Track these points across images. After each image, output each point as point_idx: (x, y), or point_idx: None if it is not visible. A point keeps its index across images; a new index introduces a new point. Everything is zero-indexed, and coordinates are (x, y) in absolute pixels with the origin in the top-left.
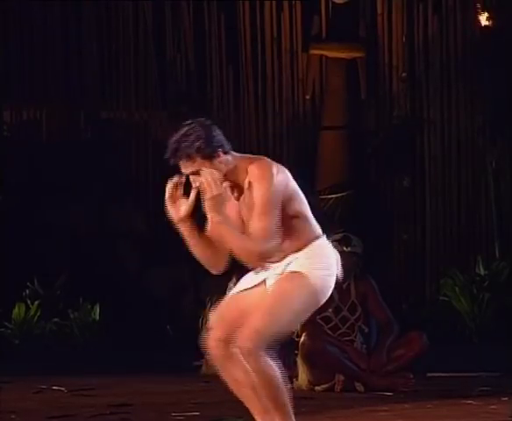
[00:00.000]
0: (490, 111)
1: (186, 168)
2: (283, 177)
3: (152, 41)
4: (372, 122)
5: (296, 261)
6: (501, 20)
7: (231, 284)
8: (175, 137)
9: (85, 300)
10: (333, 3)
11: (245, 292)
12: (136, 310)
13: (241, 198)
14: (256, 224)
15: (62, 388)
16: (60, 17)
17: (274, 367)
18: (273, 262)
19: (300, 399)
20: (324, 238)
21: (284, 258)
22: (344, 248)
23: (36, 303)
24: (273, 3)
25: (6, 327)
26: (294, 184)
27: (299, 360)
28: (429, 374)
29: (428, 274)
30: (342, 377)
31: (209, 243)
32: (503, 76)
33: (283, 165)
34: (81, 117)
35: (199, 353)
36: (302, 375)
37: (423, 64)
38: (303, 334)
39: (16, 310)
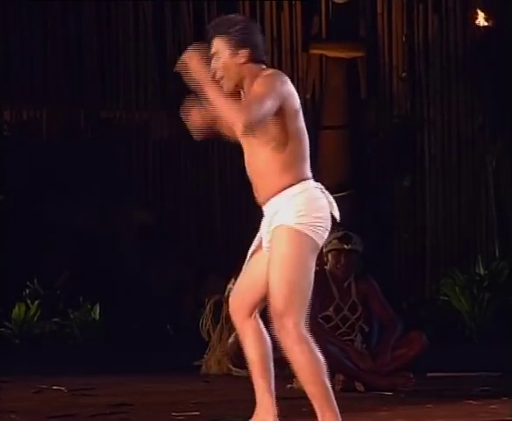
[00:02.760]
0: (490, 111)
1: (212, 48)
2: (293, 90)
3: (152, 41)
4: (372, 122)
5: (283, 212)
6: (501, 20)
7: (230, 285)
8: (226, 17)
9: (85, 300)
10: (333, 2)
11: (249, 266)
12: (136, 310)
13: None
14: (250, 97)
15: (62, 388)
16: (60, 16)
17: (314, 354)
18: (263, 201)
19: (300, 399)
20: (312, 180)
21: (268, 199)
22: (345, 246)
23: (36, 302)
24: (273, 2)
25: (6, 327)
26: (300, 110)
27: None
28: (429, 374)
29: (428, 274)
30: (342, 377)
31: None
32: (503, 76)
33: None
34: (81, 116)
35: (199, 352)
36: None
37: (423, 64)
38: None
39: (16, 310)
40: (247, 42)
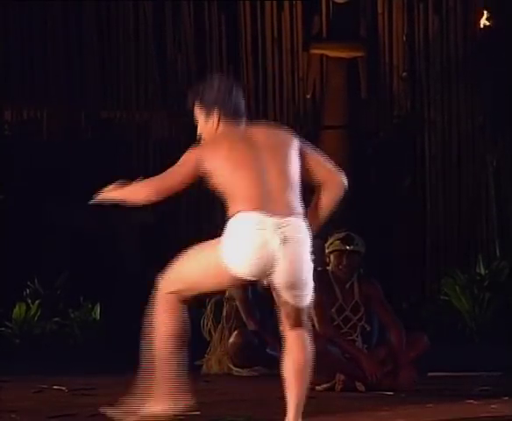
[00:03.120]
0: (490, 111)
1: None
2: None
3: (152, 41)
4: (372, 121)
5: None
6: (502, 20)
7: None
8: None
9: (86, 299)
10: (334, 2)
11: None
12: (136, 310)
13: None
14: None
15: (63, 388)
16: (60, 16)
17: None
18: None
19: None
20: (249, 213)
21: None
22: (347, 247)
23: (36, 302)
24: (274, 2)
25: (7, 327)
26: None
27: None
28: (429, 374)
29: (428, 274)
30: (343, 377)
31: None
32: (503, 76)
33: None
34: (81, 116)
35: (200, 352)
36: None
37: (423, 64)
38: None
39: (16, 310)
40: (216, 102)
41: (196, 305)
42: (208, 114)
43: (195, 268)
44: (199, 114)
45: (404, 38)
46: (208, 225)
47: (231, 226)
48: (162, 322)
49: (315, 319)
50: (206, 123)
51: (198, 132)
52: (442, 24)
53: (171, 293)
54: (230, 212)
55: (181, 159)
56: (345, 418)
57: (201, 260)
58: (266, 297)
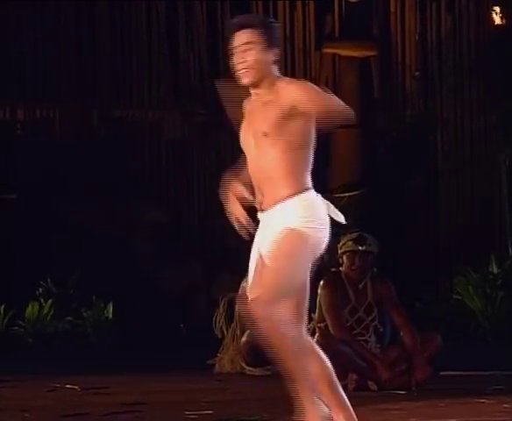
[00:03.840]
0: (503, 110)
1: (241, 39)
2: None
3: (165, 40)
4: (385, 120)
5: (289, 217)
6: None
7: (244, 283)
8: (260, 16)
9: (98, 298)
10: (346, 1)
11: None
12: (149, 309)
13: (262, 111)
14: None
15: (75, 387)
16: (73, 16)
17: (289, 335)
18: (264, 208)
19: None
20: (313, 190)
21: (275, 204)
22: (360, 247)
23: (49, 301)
24: (287, 2)
25: (20, 326)
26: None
27: None
28: (442, 373)
29: (441, 273)
30: (355, 376)
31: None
32: None
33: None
34: (94, 115)
35: (212, 351)
36: None
37: (436, 63)
38: (316, 334)
39: (29, 309)
40: (277, 43)
41: (209, 304)
42: (270, 47)
43: (296, 273)
44: (257, 41)
45: (417, 37)
46: (221, 224)
47: (316, 201)
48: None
49: (328, 322)
50: (265, 53)
51: (242, 57)
52: (454, 22)
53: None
54: (304, 182)
55: None
56: (358, 417)
57: (297, 261)
58: None
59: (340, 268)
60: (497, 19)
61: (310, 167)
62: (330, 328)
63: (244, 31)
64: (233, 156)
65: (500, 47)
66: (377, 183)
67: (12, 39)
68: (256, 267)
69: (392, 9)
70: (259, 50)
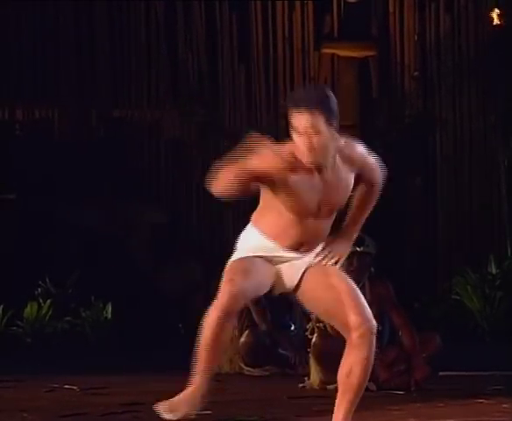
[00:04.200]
0: (502, 110)
1: (306, 121)
2: None
3: (163, 40)
4: (384, 121)
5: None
6: None
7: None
8: (320, 90)
9: (97, 299)
10: (345, 1)
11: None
12: (148, 309)
13: (329, 177)
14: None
15: (74, 387)
16: (72, 16)
17: None
18: (300, 252)
19: (312, 398)
20: None
21: (309, 251)
22: (357, 248)
23: (48, 301)
24: (285, 2)
25: (18, 326)
26: None
27: (311, 360)
28: (441, 373)
29: (440, 273)
30: None
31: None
32: None
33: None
34: (93, 116)
35: None
36: (314, 374)
37: (435, 63)
38: (315, 334)
39: (28, 309)
40: (336, 116)
41: (207, 304)
42: (331, 124)
43: None
44: (318, 123)
45: (416, 37)
46: (219, 226)
47: None
48: None
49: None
50: (328, 132)
51: (310, 142)
52: (453, 22)
53: None
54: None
55: None
56: (356, 417)
57: None
58: (278, 297)
59: None
60: (496, 19)
61: None
62: (328, 327)
63: (310, 114)
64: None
65: (499, 47)
66: None
67: (11, 39)
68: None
69: (391, 9)
70: (323, 132)
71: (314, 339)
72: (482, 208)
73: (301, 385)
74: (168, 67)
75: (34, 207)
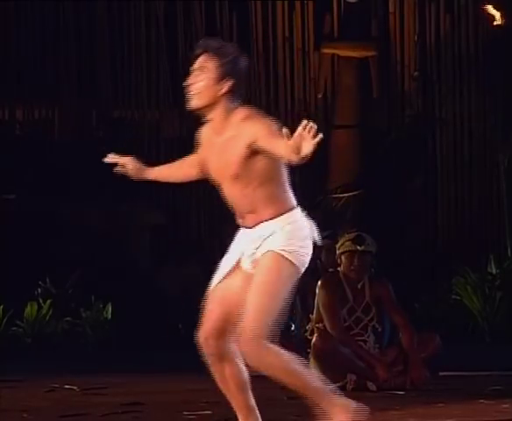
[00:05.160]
0: (502, 110)
1: (198, 63)
2: None
3: (163, 41)
4: (383, 121)
5: (273, 238)
6: None
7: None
8: (230, 45)
9: (97, 299)
10: (345, 1)
11: (224, 283)
12: (148, 309)
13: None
14: (279, 142)
15: (74, 387)
16: (72, 16)
17: (285, 355)
18: (247, 226)
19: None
20: (298, 209)
21: (257, 224)
22: (358, 247)
23: (48, 301)
24: (285, 2)
25: (18, 326)
26: None
27: (311, 360)
28: (441, 373)
29: (440, 274)
30: (354, 376)
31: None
32: None
33: (294, 165)
34: (93, 116)
35: None
36: None
37: (434, 63)
38: (315, 335)
39: (28, 309)
40: (234, 74)
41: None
42: (222, 78)
43: (280, 299)
44: (211, 69)
45: (416, 37)
46: (219, 226)
47: (300, 221)
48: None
49: (326, 322)
50: (216, 83)
51: (194, 79)
52: (453, 23)
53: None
54: (286, 203)
55: None
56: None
57: (281, 296)
58: None
59: (338, 269)
60: (496, 19)
61: (287, 187)
62: (328, 328)
63: (204, 55)
64: None
65: (499, 47)
66: (376, 184)
67: (11, 39)
68: (233, 276)
69: (391, 9)
70: (210, 77)
71: (314, 340)
72: (482, 208)
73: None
74: (168, 67)
75: (34, 207)
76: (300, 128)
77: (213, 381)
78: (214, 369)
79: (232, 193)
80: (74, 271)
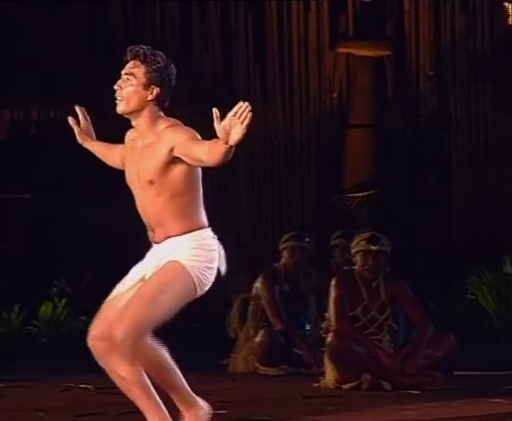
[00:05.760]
0: None
1: (127, 68)
2: None
3: (179, 40)
4: (399, 120)
5: (178, 250)
6: None
7: (257, 284)
8: (160, 54)
9: None
10: (360, 1)
11: (122, 295)
12: None
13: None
14: (199, 147)
15: (89, 387)
16: (87, 16)
17: (157, 350)
18: (156, 241)
19: (327, 397)
20: (209, 230)
21: (165, 239)
22: (372, 247)
23: (63, 301)
24: (300, 2)
25: (33, 325)
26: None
27: (326, 359)
28: (456, 373)
29: (455, 273)
30: (369, 376)
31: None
32: None
33: (310, 163)
34: (109, 115)
35: (226, 351)
36: (329, 374)
37: (450, 62)
38: (330, 334)
39: (43, 309)
40: (161, 82)
41: (223, 304)
42: (150, 85)
43: (169, 303)
44: (139, 76)
45: (431, 36)
46: (226, 228)
47: (209, 241)
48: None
49: (331, 314)
50: (144, 89)
51: (122, 85)
52: (468, 22)
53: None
54: (197, 221)
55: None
56: (371, 417)
57: (168, 306)
58: (293, 297)
59: (353, 267)
60: (511, 18)
61: (201, 205)
62: (332, 320)
63: (133, 61)
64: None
65: None
66: (391, 183)
67: (27, 39)
68: (134, 289)
69: (406, 8)
70: (137, 85)
71: (329, 339)
72: (497, 207)
73: (316, 384)
74: (183, 67)
75: (49, 206)
76: (231, 113)
77: (228, 381)
78: (108, 370)
79: (144, 201)
80: (88, 270)
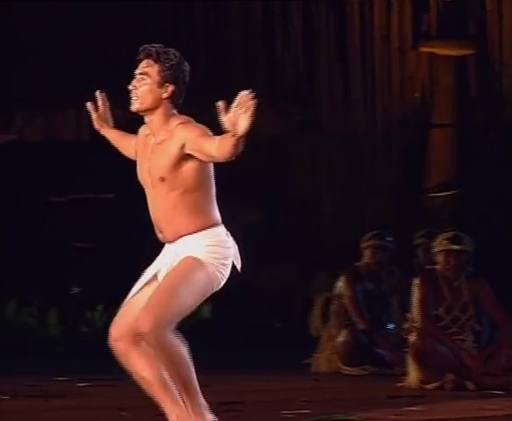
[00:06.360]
0: None
1: (141, 68)
2: None
3: (260, 41)
4: (482, 120)
5: (194, 247)
6: None
7: (339, 283)
8: (172, 52)
9: None
10: (443, 0)
11: (140, 293)
12: (247, 309)
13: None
14: (210, 143)
15: None
16: (170, 15)
17: (181, 347)
18: (167, 240)
19: (410, 397)
20: (223, 226)
21: (178, 238)
22: (455, 247)
23: None
24: (383, 0)
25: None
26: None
27: (409, 359)
28: None
29: None
30: (452, 376)
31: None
32: None
33: (392, 162)
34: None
35: (308, 350)
36: (413, 374)
37: None
38: (413, 333)
39: None
40: (175, 80)
41: (305, 304)
42: (165, 82)
43: (190, 297)
44: (154, 75)
45: None
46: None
47: (223, 237)
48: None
49: (416, 314)
50: (158, 88)
51: (136, 84)
52: None
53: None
54: (210, 218)
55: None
56: (454, 417)
57: (195, 287)
58: (375, 297)
59: (435, 267)
60: None
61: (213, 202)
62: (416, 319)
63: (146, 61)
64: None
65: None
66: (474, 183)
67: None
68: (150, 287)
69: (489, 7)
70: (151, 83)
71: (412, 339)
72: None
73: (399, 384)
74: (265, 66)
75: (133, 206)
76: (234, 104)
77: (311, 381)
78: (131, 370)
79: (155, 198)
80: None
